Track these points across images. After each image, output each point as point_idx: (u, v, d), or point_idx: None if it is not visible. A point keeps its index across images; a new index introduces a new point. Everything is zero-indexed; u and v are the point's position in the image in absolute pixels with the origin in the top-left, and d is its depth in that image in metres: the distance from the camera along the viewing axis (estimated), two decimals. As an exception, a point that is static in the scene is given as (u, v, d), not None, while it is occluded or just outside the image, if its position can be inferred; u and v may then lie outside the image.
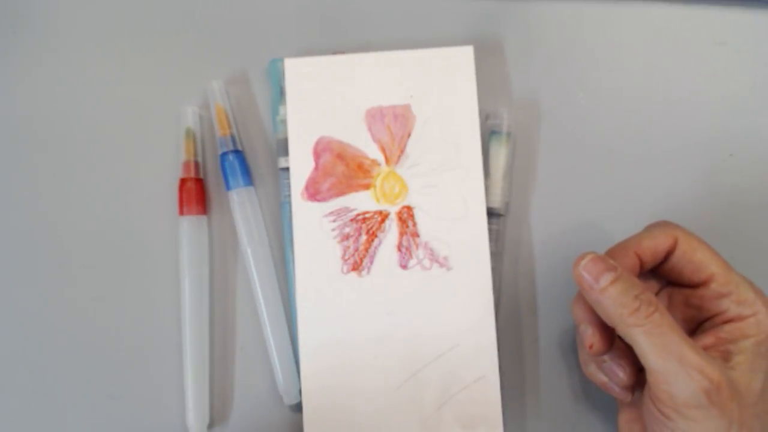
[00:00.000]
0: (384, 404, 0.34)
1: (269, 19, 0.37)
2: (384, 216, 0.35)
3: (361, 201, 0.35)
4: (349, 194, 0.35)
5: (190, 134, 0.36)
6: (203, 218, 0.36)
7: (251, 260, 0.35)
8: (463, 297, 0.34)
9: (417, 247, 0.34)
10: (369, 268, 0.34)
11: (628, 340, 0.27)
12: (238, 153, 0.36)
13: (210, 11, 0.37)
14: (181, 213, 0.35)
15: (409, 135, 0.35)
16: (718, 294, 0.29)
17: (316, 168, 0.35)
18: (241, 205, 0.35)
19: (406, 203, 0.35)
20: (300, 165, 0.35)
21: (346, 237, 0.34)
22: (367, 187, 0.35)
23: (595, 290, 0.27)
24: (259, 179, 0.37)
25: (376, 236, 0.34)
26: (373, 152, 0.35)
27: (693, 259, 0.29)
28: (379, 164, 0.35)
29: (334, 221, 0.34)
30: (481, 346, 0.34)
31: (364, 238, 0.34)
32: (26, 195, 0.37)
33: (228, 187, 0.36)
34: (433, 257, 0.34)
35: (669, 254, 0.30)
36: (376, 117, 0.35)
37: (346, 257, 0.34)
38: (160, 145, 0.37)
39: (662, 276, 0.31)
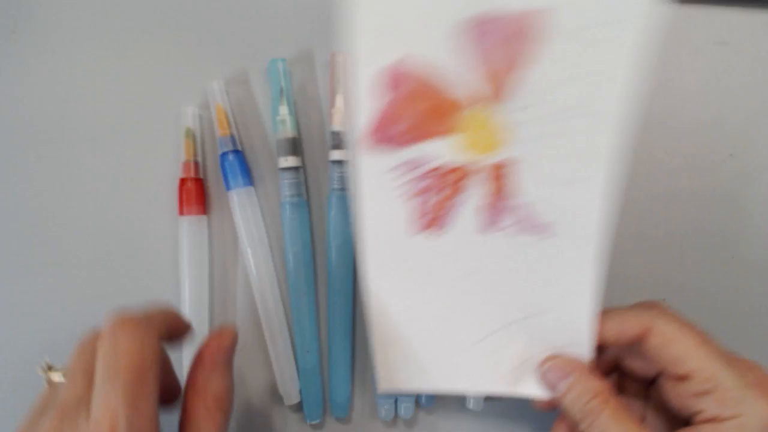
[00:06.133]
0: (459, 357, 0.30)
1: (269, 19, 0.37)
2: (474, 169, 0.27)
3: (447, 148, 0.27)
4: (430, 139, 0.27)
5: (189, 134, 0.36)
6: (203, 218, 0.36)
7: (251, 260, 0.35)
8: (562, 266, 0.28)
9: (511, 208, 0.28)
10: (445, 229, 0.28)
11: None
12: (238, 153, 0.36)
13: (210, 11, 0.37)
14: (181, 213, 0.35)
15: (532, 59, 0.25)
16: (699, 391, 0.26)
17: (390, 103, 0.26)
18: (241, 205, 0.35)
19: (507, 155, 0.27)
20: (366, 99, 0.26)
21: (421, 192, 0.28)
22: (455, 131, 0.27)
23: (556, 393, 0.29)
24: (259, 179, 0.37)
25: (458, 193, 0.28)
26: (474, 82, 0.26)
27: (669, 351, 0.27)
28: (478, 99, 0.26)
29: (408, 173, 0.27)
30: (577, 316, 0.29)
31: (443, 194, 0.28)
32: (26, 195, 0.37)
33: (228, 187, 0.36)
34: (529, 221, 0.28)
35: (641, 342, 0.28)
36: (486, 29, 0.25)
37: (419, 215, 0.28)
38: (160, 145, 0.37)
39: (650, 362, 0.28)
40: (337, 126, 0.35)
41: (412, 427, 0.37)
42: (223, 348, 0.28)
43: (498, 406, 0.37)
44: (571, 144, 0.26)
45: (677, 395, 0.27)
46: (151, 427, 0.23)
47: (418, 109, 0.26)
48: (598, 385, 0.28)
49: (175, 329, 0.27)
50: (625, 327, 0.28)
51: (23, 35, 0.37)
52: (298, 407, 0.36)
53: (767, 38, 0.38)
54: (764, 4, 0.37)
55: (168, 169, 0.36)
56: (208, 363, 0.27)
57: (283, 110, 0.35)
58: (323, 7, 0.37)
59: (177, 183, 0.36)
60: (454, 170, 0.27)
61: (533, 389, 0.30)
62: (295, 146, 0.36)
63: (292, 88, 0.37)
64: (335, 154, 0.35)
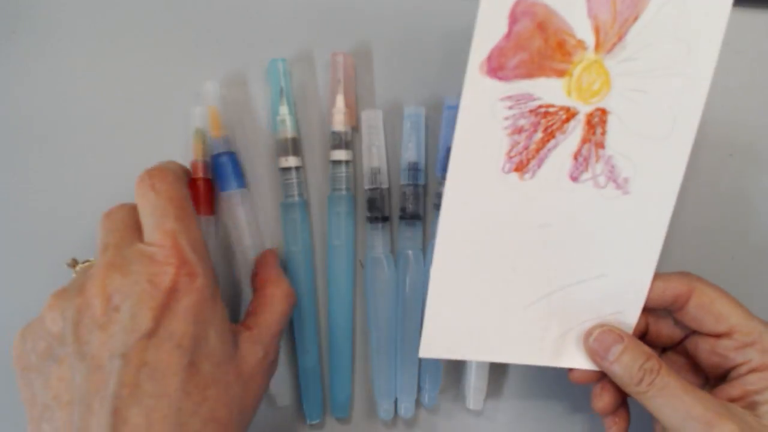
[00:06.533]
0: (509, 320, 0.31)
1: (269, 19, 0.37)
2: (571, 115, 0.28)
3: (549, 90, 0.28)
4: (537, 78, 0.28)
5: (199, 134, 0.35)
6: (211, 219, 0.36)
7: (239, 261, 0.35)
8: (631, 226, 0.30)
9: (597, 160, 0.29)
10: (535, 172, 0.29)
11: (640, 403, 0.29)
12: (231, 155, 0.35)
13: (211, 11, 0.37)
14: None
15: (636, 18, 0.27)
16: (742, 344, 0.29)
17: (508, 35, 0.27)
18: (234, 207, 0.35)
19: (602, 105, 0.28)
20: (488, 28, 0.27)
21: (519, 130, 0.28)
22: (561, 74, 0.28)
23: (605, 362, 0.30)
24: (259, 180, 0.37)
25: (554, 137, 0.29)
26: (584, 31, 0.27)
27: (712, 310, 0.29)
28: (585, 48, 0.27)
29: (510, 108, 0.28)
30: (633, 282, 0.30)
31: (539, 136, 0.28)
32: (29, 197, 0.37)
33: (221, 189, 0.35)
34: (612, 175, 0.29)
35: (682, 302, 0.30)
36: None
37: (512, 154, 0.29)
38: (165, 146, 0.36)
39: (685, 326, 0.31)
40: (337, 126, 0.35)
41: (412, 427, 0.37)
42: (275, 257, 0.34)
43: (498, 406, 0.37)
44: (658, 102, 0.28)
45: (715, 352, 0.30)
46: (204, 247, 0.28)
47: (533, 47, 0.27)
48: (648, 348, 0.29)
49: (186, 177, 0.31)
50: (669, 288, 0.30)
51: (23, 35, 0.37)
52: (298, 407, 0.36)
53: (767, 38, 0.38)
54: (764, 4, 0.37)
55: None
56: (275, 266, 0.33)
57: (283, 110, 0.35)
58: (323, 7, 0.37)
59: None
60: (556, 112, 0.28)
61: (575, 360, 0.31)
62: (295, 146, 0.36)
63: (292, 88, 0.37)
64: (335, 154, 0.35)
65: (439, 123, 0.36)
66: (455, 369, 0.37)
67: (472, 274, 0.30)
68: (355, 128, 0.37)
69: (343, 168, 0.35)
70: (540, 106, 0.28)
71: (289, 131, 0.35)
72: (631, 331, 0.31)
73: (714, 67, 0.28)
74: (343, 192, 0.35)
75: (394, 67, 0.37)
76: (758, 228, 0.37)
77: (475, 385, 0.36)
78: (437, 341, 0.31)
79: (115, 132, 0.37)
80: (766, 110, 0.37)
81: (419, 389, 0.36)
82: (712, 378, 0.31)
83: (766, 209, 0.37)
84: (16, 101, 0.37)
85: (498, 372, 0.37)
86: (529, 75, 0.28)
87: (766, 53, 0.38)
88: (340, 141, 0.35)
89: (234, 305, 0.36)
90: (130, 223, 0.28)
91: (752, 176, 0.37)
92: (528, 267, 0.30)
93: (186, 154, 0.35)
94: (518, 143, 0.29)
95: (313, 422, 0.36)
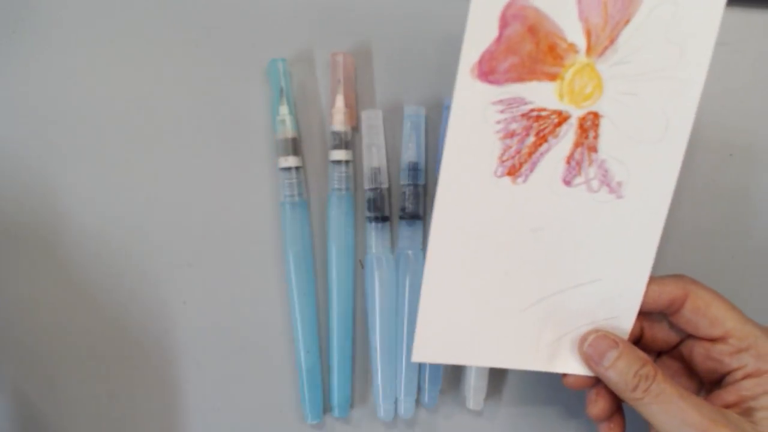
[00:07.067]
0: (502, 325, 0.30)
1: (269, 19, 0.37)
2: (563, 119, 0.28)
3: (541, 94, 0.28)
4: (528, 82, 0.28)
5: None
6: None
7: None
8: (625, 231, 0.29)
9: (590, 164, 0.29)
10: (527, 176, 0.29)
11: (635, 409, 0.28)
12: None
13: (210, 11, 0.37)
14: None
15: (627, 21, 0.27)
16: (737, 348, 0.29)
17: (499, 39, 0.27)
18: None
19: (594, 108, 0.28)
20: (478, 31, 0.27)
21: (511, 134, 0.28)
22: (553, 77, 0.28)
23: (600, 368, 0.29)
24: (259, 180, 0.37)
25: (546, 141, 0.28)
26: (575, 34, 0.27)
27: (707, 314, 0.29)
28: (576, 51, 0.27)
29: (502, 112, 0.28)
30: (628, 286, 0.30)
31: (531, 140, 0.28)
32: (27, 197, 0.37)
33: None
34: (606, 179, 0.29)
35: (677, 305, 0.30)
36: None
37: (505, 158, 0.29)
38: (169, 145, 0.36)
39: (680, 329, 0.31)
40: (337, 126, 0.35)
41: (412, 427, 0.37)
42: None
43: (498, 406, 0.37)
44: (650, 105, 0.28)
45: (711, 357, 0.29)
46: None
47: (524, 50, 0.27)
48: (643, 354, 0.29)
49: None
50: (664, 292, 0.30)
51: (24, 35, 0.37)
52: (298, 407, 0.36)
53: (767, 38, 0.38)
54: (764, 4, 0.37)
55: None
56: None
57: (283, 110, 0.35)
58: (323, 7, 0.37)
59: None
60: (548, 116, 0.28)
61: (570, 365, 0.31)
62: (295, 146, 0.36)
63: (292, 88, 0.37)
64: (335, 154, 0.35)
65: (439, 123, 0.36)
66: (455, 369, 0.37)
67: (464, 278, 0.30)
68: (355, 128, 0.37)
69: (343, 168, 0.35)
70: (532, 110, 0.28)
71: (289, 131, 0.35)
72: (626, 337, 0.30)
73: (707, 70, 0.27)
74: (343, 192, 0.35)
75: (394, 67, 0.37)
76: (758, 228, 0.37)
77: (475, 385, 0.36)
78: (430, 345, 0.31)
79: (115, 131, 0.37)
80: (766, 110, 0.37)
81: (419, 389, 0.37)
82: (707, 383, 0.31)
83: (766, 209, 0.37)
84: (16, 101, 0.37)
85: (497, 373, 0.37)
86: (521, 79, 0.28)
87: (766, 53, 0.38)
88: (340, 141, 0.35)
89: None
90: None
91: (752, 176, 0.37)
92: (521, 271, 0.30)
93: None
94: (510, 147, 0.28)
95: (313, 422, 0.36)
